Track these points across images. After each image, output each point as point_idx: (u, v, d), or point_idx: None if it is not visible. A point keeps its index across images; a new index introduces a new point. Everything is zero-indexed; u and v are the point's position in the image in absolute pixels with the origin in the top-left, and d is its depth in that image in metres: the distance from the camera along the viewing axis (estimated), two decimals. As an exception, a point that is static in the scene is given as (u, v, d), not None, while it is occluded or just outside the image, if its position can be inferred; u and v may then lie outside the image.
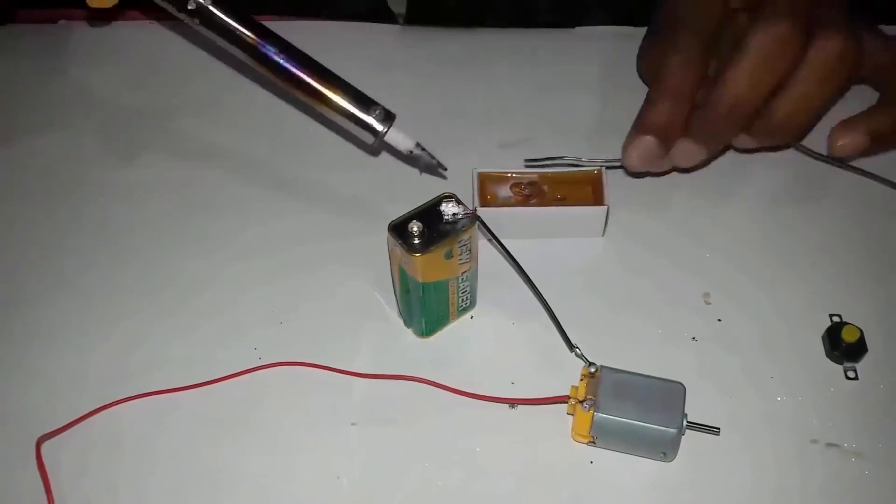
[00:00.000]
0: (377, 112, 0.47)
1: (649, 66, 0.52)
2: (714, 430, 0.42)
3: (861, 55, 0.47)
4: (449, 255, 0.43)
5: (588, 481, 0.42)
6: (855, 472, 0.42)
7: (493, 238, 0.45)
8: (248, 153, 0.55)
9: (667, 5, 0.51)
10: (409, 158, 0.48)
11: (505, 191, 0.50)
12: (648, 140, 0.47)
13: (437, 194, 0.44)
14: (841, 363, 0.46)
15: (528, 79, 0.59)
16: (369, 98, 0.47)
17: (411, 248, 0.42)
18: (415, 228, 0.42)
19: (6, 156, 0.56)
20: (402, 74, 0.59)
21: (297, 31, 0.61)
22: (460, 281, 0.45)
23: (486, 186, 0.50)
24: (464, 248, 0.44)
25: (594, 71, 0.59)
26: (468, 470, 0.43)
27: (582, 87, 0.58)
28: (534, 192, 0.50)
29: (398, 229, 0.43)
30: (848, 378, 0.45)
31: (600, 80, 0.59)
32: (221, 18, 0.46)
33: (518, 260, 0.46)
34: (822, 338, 0.46)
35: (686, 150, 0.48)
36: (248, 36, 0.46)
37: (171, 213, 0.52)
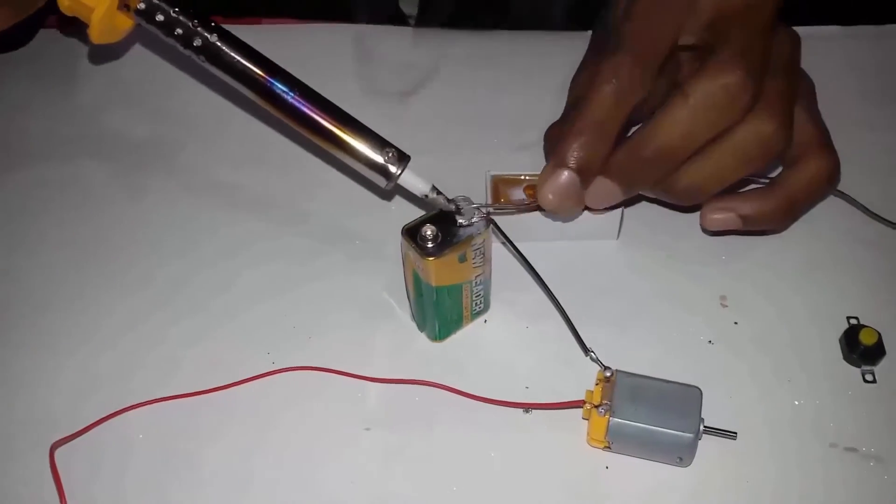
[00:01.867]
0: (390, 154, 0.44)
1: (580, 82, 0.47)
2: (731, 435, 0.42)
3: (790, 141, 0.43)
4: (463, 259, 0.43)
5: (604, 487, 0.42)
6: (874, 476, 0.42)
7: (507, 241, 0.45)
8: (263, 160, 0.55)
9: (614, 13, 0.44)
10: (423, 202, 0.44)
11: (519, 193, 0.50)
12: (568, 176, 0.42)
13: (452, 197, 0.43)
14: (859, 366, 0.45)
15: (542, 81, 0.58)
16: (382, 139, 0.44)
17: (425, 252, 0.42)
18: (428, 232, 0.42)
19: (23, 173, 0.56)
20: (414, 77, 0.59)
21: (309, 35, 0.62)
22: (474, 284, 0.45)
23: (500, 189, 0.50)
24: (477, 251, 0.43)
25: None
26: (483, 475, 0.42)
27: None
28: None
29: (412, 233, 0.42)
30: (866, 381, 0.45)
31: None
32: (229, 56, 0.44)
33: (532, 263, 0.45)
34: (840, 340, 0.46)
35: (603, 190, 0.43)
36: (256, 73, 0.44)
37: (183, 218, 0.52)
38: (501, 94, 0.58)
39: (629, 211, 0.49)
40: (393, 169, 0.44)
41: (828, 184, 0.47)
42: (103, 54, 0.61)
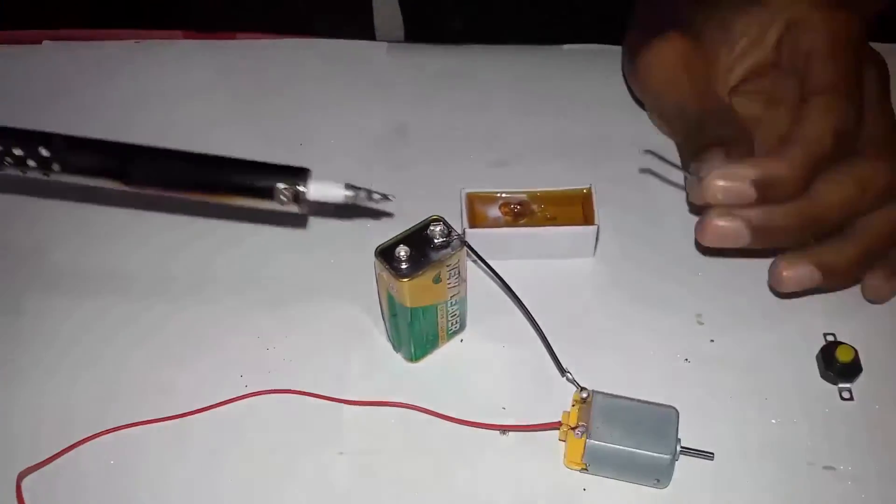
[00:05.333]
0: (283, 187, 0.39)
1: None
2: (708, 455, 0.42)
3: None
4: (437, 280, 0.42)
5: (581, 509, 0.41)
6: (851, 495, 0.41)
7: (482, 261, 0.45)
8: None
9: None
10: (347, 207, 0.41)
11: (494, 211, 0.50)
12: (747, 187, 0.42)
13: (425, 217, 0.43)
14: (836, 383, 0.45)
15: (516, 96, 0.58)
16: (270, 166, 0.40)
17: (399, 273, 0.41)
18: (402, 253, 0.42)
19: None
20: (389, 92, 0.59)
21: (284, 50, 0.61)
22: (449, 305, 0.45)
23: (475, 207, 0.50)
24: (452, 272, 0.43)
25: (582, 88, 0.59)
26: (459, 498, 0.42)
27: (570, 105, 0.58)
28: (524, 212, 0.50)
29: (385, 254, 0.42)
30: (843, 398, 0.45)
31: (589, 98, 0.58)
32: (77, 158, 0.40)
33: (507, 281, 0.45)
34: (817, 357, 0.46)
35: (734, 227, 0.43)
36: (113, 166, 0.40)
37: (154, 238, 0.52)
38: (476, 111, 0.58)
39: (605, 228, 0.49)
40: (300, 189, 0.40)
41: (887, 187, 0.44)
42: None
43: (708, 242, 0.43)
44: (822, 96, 0.43)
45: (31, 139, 0.41)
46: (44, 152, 0.40)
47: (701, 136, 0.45)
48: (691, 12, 0.49)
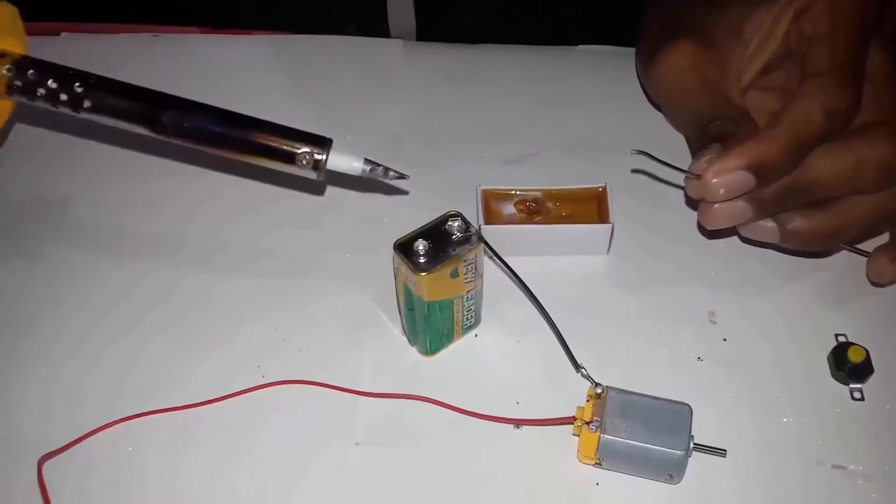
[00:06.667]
0: (308, 147, 0.42)
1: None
2: (720, 452, 0.42)
3: None
4: (454, 274, 0.43)
5: (594, 503, 0.42)
6: (861, 494, 0.42)
7: (497, 257, 0.45)
8: (245, 169, 0.55)
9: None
10: (364, 181, 0.43)
11: (509, 208, 0.50)
12: (745, 177, 0.42)
13: (443, 212, 0.43)
14: (847, 384, 0.45)
15: (531, 95, 0.58)
16: (296, 132, 0.42)
17: (417, 267, 0.42)
18: (420, 247, 0.42)
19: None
20: (405, 91, 0.59)
21: (300, 46, 0.62)
22: (465, 299, 0.45)
23: (491, 203, 0.50)
24: (469, 266, 0.43)
25: (597, 88, 0.59)
26: (473, 491, 0.42)
27: (585, 105, 0.58)
28: (538, 209, 0.50)
29: (404, 248, 0.42)
30: (854, 399, 0.45)
31: (604, 98, 0.58)
32: (111, 99, 0.42)
33: (522, 277, 0.45)
34: (828, 358, 0.46)
35: (735, 208, 0.44)
36: (148, 108, 0.42)
37: (172, 230, 0.52)
38: (490, 109, 0.58)
39: (619, 226, 0.49)
40: (318, 157, 0.42)
41: (886, 169, 0.44)
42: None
43: (714, 225, 0.45)
44: (814, 77, 0.44)
45: (67, 74, 0.42)
46: (78, 88, 0.42)
47: (706, 133, 0.45)
48: (700, 17, 0.49)
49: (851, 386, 0.45)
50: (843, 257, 0.50)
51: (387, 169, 0.43)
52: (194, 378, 0.46)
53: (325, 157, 0.42)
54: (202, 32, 0.63)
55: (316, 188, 0.54)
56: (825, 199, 0.45)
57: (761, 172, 0.42)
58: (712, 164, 0.43)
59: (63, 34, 0.63)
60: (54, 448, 0.42)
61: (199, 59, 0.61)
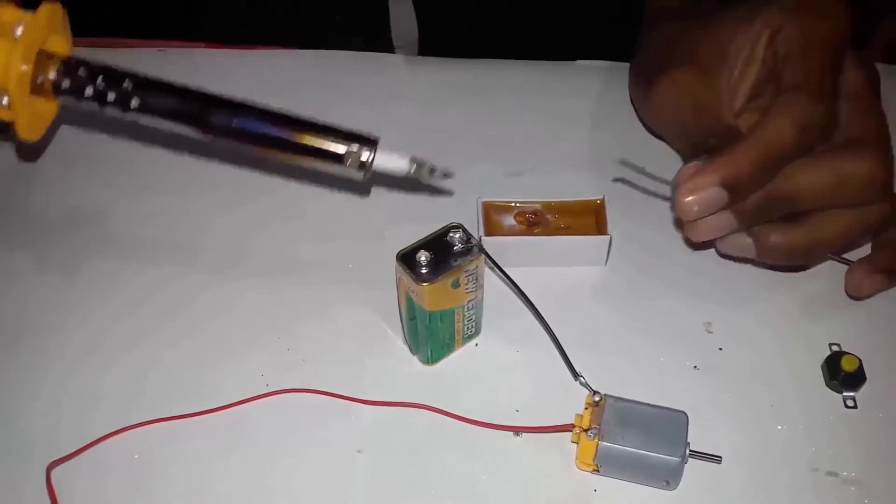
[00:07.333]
0: (355, 145, 0.41)
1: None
2: (716, 459, 0.43)
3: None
4: (456, 285, 0.44)
5: (592, 509, 0.43)
6: (854, 500, 0.43)
7: (498, 268, 0.46)
8: (251, 182, 0.56)
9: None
10: (408, 180, 0.42)
11: (510, 220, 0.51)
12: (718, 193, 0.43)
13: (445, 223, 0.44)
14: (840, 392, 0.46)
15: (531, 109, 0.59)
16: (343, 132, 0.42)
17: (419, 278, 0.43)
18: (423, 258, 0.43)
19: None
20: (406, 104, 0.60)
21: (309, 61, 0.63)
22: (466, 309, 0.46)
23: (491, 215, 0.51)
24: (470, 277, 0.44)
25: (596, 102, 0.60)
26: (473, 498, 0.43)
27: (584, 118, 0.59)
28: (538, 221, 0.51)
29: (406, 259, 0.43)
30: (847, 407, 0.46)
31: (602, 112, 0.59)
32: (159, 98, 0.42)
33: (522, 288, 0.46)
34: (822, 367, 0.47)
35: (719, 221, 0.45)
36: (197, 108, 0.42)
37: (179, 241, 0.53)
38: (490, 122, 0.59)
39: (617, 238, 0.50)
40: (364, 157, 0.41)
41: (866, 186, 0.45)
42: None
43: (698, 238, 0.46)
44: (786, 93, 0.44)
45: (116, 72, 0.42)
46: (127, 85, 0.41)
47: (697, 152, 0.46)
48: (693, 43, 0.49)
49: (845, 394, 0.46)
50: (837, 269, 0.50)
51: (433, 167, 0.42)
52: (198, 386, 0.46)
53: (371, 156, 0.42)
54: (208, 47, 0.64)
55: (321, 198, 0.55)
56: (807, 211, 0.45)
57: (733, 188, 0.43)
58: (685, 182, 0.43)
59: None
60: (63, 454, 0.43)
61: (206, 74, 0.61)
